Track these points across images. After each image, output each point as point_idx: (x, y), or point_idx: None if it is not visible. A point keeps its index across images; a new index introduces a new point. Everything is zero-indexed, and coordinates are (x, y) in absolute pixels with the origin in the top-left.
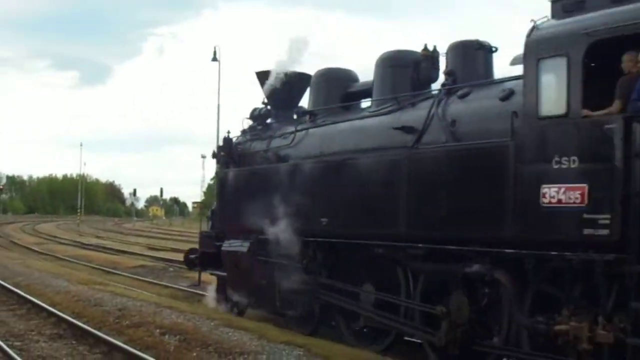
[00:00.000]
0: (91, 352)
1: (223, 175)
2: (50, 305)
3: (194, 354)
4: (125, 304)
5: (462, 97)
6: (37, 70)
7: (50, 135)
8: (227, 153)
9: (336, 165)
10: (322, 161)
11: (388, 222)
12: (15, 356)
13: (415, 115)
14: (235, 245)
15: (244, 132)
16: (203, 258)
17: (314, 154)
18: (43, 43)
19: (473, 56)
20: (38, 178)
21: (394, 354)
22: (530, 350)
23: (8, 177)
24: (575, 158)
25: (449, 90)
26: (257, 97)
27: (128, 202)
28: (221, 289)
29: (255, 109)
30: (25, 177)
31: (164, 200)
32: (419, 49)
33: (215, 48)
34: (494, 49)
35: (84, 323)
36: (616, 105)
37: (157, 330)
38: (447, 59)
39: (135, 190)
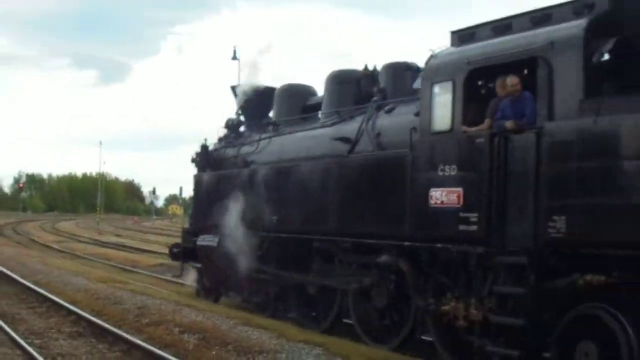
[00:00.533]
0: (110, 350)
1: (198, 178)
2: (69, 303)
3: (213, 353)
4: (144, 302)
5: (388, 112)
6: (57, 69)
7: (70, 134)
8: (203, 159)
9: (285, 170)
10: (274, 166)
11: (323, 220)
12: (35, 354)
13: (351, 128)
14: (207, 240)
15: (219, 139)
16: (184, 251)
17: (273, 160)
18: (62, 42)
19: (402, 76)
20: (57, 176)
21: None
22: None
23: (28, 176)
24: (455, 166)
25: (378, 105)
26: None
27: (147, 201)
28: (199, 279)
29: (229, 119)
30: (45, 176)
31: (183, 199)
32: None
33: (235, 47)
34: (421, 70)
35: (103, 321)
36: (486, 123)
37: (177, 329)
38: (379, 78)
39: (154, 189)
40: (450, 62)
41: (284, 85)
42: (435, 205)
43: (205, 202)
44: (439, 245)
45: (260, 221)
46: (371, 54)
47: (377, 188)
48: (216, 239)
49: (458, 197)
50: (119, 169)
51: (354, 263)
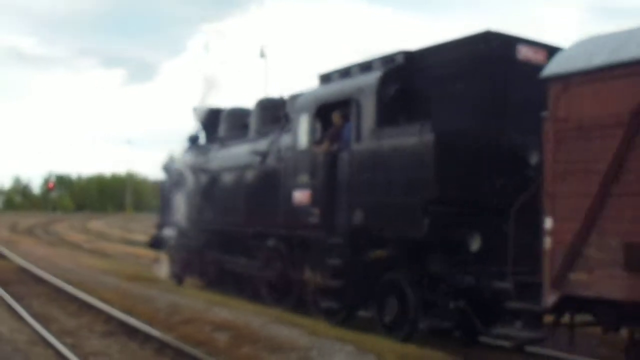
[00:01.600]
0: (142, 349)
1: (162, 183)
2: (101, 302)
3: (245, 350)
4: (175, 301)
5: (287, 132)
6: (85, 69)
7: (99, 133)
8: (170, 167)
9: (215, 177)
10: (209, 174)
11: (237, 216)
12: (68, 353)
13: (265, 144)
14: (169, 232)
15: (184, 151)
16: (157, 241)
17: (214, 169)
18: (89, 42)
19: None
20: (87, 176)
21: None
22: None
23: (57, 176)
24: (307, 175)
25: (282, 127)
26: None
27: None
28: (171, 265)
29: (190, 135)
30: (74, 176)
31: None
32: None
33: (262, 45)
34: None
35: (134, 319)
36: (325, 144)
37: (208, 327)
38: (286, 105)
39: None
40: (308, 99)
41: (228, 108)
42: (296, 204)
43: (167, 202)
44: (299, 232)
45: (201, 217)
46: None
47: (265, 191)
48: (174, 232)
49: (307, 197)
50: (148, 167)
51: (255, 247)
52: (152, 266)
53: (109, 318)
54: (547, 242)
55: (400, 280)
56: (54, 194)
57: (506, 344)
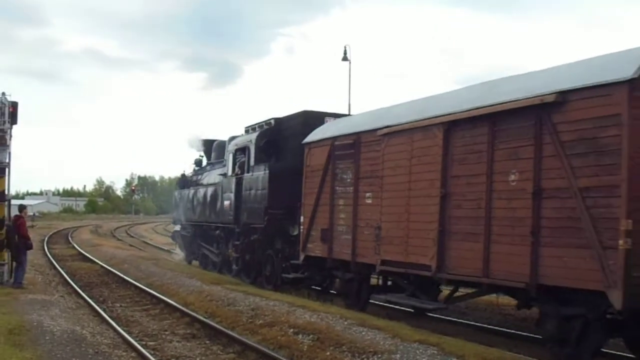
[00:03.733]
0: (225, 352)
1: (175, 194)
2: (183, 305)
3: (328, 354)
4: (258, 304)
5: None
6: (166, 72)
7: (181, 136)
8: (181, 182)
9: (203, 188)
10: (201, 186)
11: (205, 215)
12: (150, 356)
13: (227, 168)
14: (178, 228)
15: (193, 170)
16: (175, 235)
17: (205, 184)
18: (171, 44)
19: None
20: (169, 178)
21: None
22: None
23: (140, 178)
24: (232, 190)
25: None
26: (388, 97)
27: None
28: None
29: (196, 159)
30: (157, 178)
31: None
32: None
33: (345, 47)
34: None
35: (217, 323)
36: (235, 172)
37: (291, 330)
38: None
39: None
40: (232, 144)
41: (217, 141)
42: (225, 208)
43: (178, 207)
44: (224, 225)
45: (192, 216)
46: (483, 52)
47: (218, 200)
48: (179, 227)
49: (229, 204)
50: None
51: (213, 235)
52: (170, 253)
53: (192, 321)
54: (301, 228)
55: (272, 253)
56: (136, 197)
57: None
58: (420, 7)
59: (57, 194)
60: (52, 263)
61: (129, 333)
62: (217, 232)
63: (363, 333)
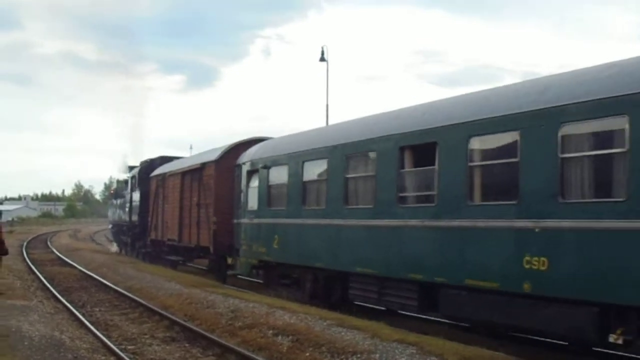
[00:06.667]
0: (204, 355)
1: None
2: (162, 309)
3: (307, 354)
4: (237, 306)
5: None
6: (143, 75)
7: (160, 138)
8: (115, 193)
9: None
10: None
11: (122, 217)
12: None
13: (128, 187)
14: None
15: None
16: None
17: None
18: (148, 47)
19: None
20: None
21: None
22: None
23: (118, 182)
24: (128, 202)
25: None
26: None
27: None
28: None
29: (124, 179)
30: None
31: None
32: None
33: (323, 48)
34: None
35: (196, 326)
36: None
37: (270, 331)
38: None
39: None
40: (130, 173)
41: (136, 167)
42: (126, 212)
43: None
44: (125, 223)
45: (116, 219)
46: (464, 53)
47: (124, 206)
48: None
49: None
50: None
51: (124, 231)
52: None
53: (171, 324)
54: (149, 224)
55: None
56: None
57: None
58: (395, 9)
59: (35, 198)
60: (30, 268)
61: (108, 337)
62: (124, 228)
63: (342, 333)
